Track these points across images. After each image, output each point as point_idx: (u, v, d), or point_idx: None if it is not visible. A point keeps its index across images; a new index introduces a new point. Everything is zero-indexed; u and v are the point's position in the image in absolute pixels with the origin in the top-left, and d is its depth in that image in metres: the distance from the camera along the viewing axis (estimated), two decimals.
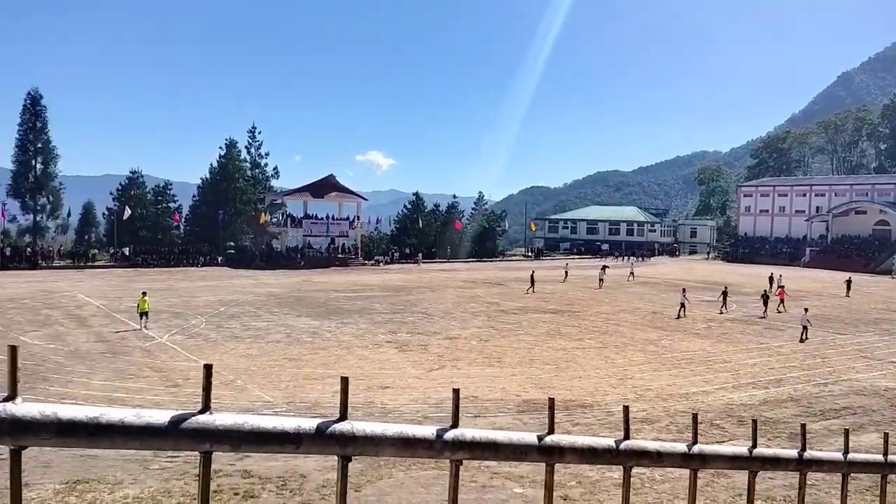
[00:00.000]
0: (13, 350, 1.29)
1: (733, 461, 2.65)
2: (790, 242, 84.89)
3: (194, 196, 79.99)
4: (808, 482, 2.81)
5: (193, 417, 1.39)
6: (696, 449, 2.40)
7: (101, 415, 1.29)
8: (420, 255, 75.27)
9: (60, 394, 16.80)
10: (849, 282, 46.12)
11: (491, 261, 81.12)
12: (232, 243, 72.79)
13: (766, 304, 34.93)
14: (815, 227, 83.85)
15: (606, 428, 14.76)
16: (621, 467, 2.24)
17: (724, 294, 36.40)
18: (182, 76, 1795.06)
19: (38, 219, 69.79)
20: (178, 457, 10.97)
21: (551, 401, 2.02)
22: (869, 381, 20.24)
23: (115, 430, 1.30)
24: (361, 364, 21.33)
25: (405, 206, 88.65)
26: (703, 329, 29.53)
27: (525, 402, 17.10)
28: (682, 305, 33.11)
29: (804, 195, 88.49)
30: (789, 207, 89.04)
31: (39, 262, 59.24)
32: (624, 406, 2.28)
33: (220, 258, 66.75)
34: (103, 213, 76.81)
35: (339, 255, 69.23)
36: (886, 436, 3.30)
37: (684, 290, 35.35)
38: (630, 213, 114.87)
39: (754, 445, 2.66)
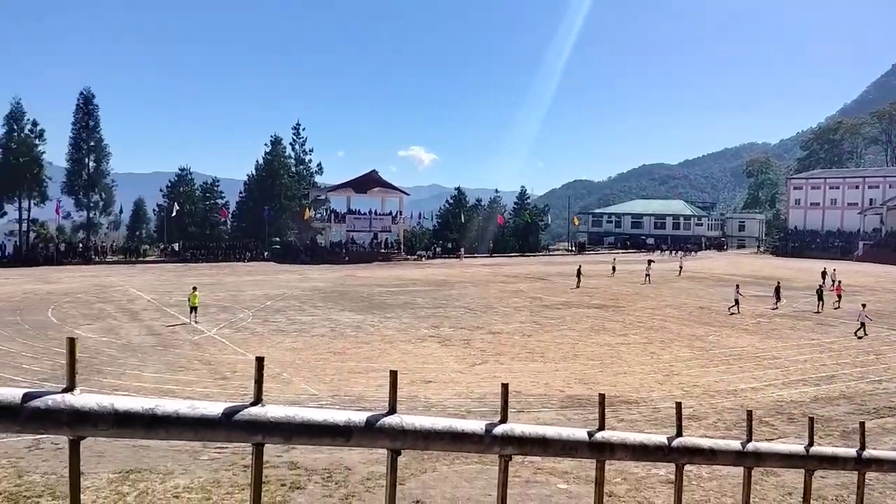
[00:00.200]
0: (72, 342, 1.31)
1: (789, 459, 2.57)
2: (842, 236, 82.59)
3: (241, 192, 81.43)
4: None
5: (246, 409, 1.40)
6: (750, 446, 2.33)
7: (157, 406, 1.31)
8: (462, 249, 75.30)
9: (114, 385, 17.28)
10: None
11: (534, 255, 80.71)
12: (277, 239, 73.86)
13: (820, 299, 34.02)
14: (868, 220, 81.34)
15: (652, 425, 14.56)
16: (673, 465, 2.18)
17: (777, 289, 35.51)
18: (229, 76, 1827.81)
19: (91, 215, 71.82)
20: (226, 448, 11.18)
21: (601, 396, 1.99)
22: None
23: (171, 422, 1.31)
24: (404, 358, 21.44)
25: (447, 201, 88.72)
26: (752, 325, 28.91)
27: (569, 398, 16.97)
28: (737, 301, 32.41)
29: (857, 187, 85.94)
30: (841, 200, 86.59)
31: (93, 257, 61.08)
32: (676, 402, 2.23)
33: (265, 253, 67.83)
34: (153, 210, 78.80)
35: (382, 250, 69.72)
36: None
37: (738, 285, 34.57)
38: (676, 206, 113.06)
39: (811, 443, 2.58)
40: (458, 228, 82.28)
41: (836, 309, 33.48)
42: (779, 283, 36.80)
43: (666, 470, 10.73)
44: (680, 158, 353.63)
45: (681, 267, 54.61)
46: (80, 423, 1.25)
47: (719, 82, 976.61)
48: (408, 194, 78.47)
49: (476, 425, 1.71)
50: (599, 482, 1.97)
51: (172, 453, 11.11)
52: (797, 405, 16.49)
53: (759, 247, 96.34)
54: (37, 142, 66.20)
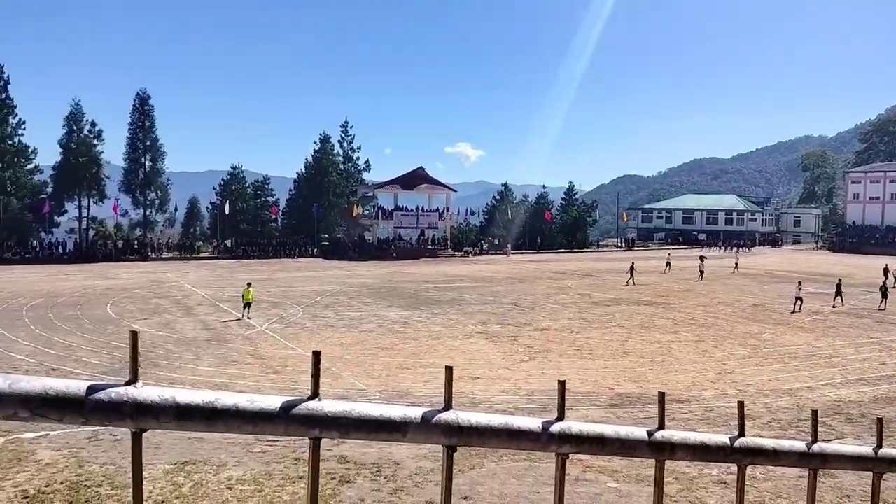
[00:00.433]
0: (134, 336, 1.33)
1: (856, 462, 2.47)
2: None
3: (291, 190, 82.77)
4: None
5: (303, 404, 1.40)
6: (815, 448, 2.25)
7: (217, 399, 1.32)
8: (509, 246, 74.98)
9: (170, 379, 17.74)
10: None
11: (582, 252, 79.91)
12: (326, 235, 74.81)
13: (884, 297, 32.82)
14: None
15: (705, 424, 14.27)
16: (729, 465, 2.12)
17: (839, 287, 34.19)
18: (278, 76, 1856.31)
19: (147, 213, 73.98)
20: (277, 441, 11.36)
21: (661, 395, 1.94)
22: None
23: (230, 415, 1.32)
24: (452, 354, 21.46)
25: (494, 197, 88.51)
26: (808, 322, 28.09)
27: (618, 396, 16.75)
28: (799, 299, 31.41)
29: None
30: None
31: (149, 253, 62.80)
32: (739, 402, 2.16)
33: (314, 250, 68.73)
34: (207, 207, 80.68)
35: (429, 247, 69.93)
36: None
37: (799, 282, 33.52)
38: (729, 201, 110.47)
39: (879, 445, 2.48)
40: (505, 225, 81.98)
41: None
42: (840, 280, 35.56)
43: (718, 470, 10.50)
44: (733, 152, 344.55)
45: (736, 263, 53.33)
46: (142, 415, 1.26)
47: (774, 73, 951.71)
48: (454, 191, 78.50)
49: (533, 423, 1.69)
50: (659, 482, 1.92)
51: (226, 445, 11.33)
52: (855, 405, 15.96)
53: (816, 243, 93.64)
54: (95, 142, 68.51)
